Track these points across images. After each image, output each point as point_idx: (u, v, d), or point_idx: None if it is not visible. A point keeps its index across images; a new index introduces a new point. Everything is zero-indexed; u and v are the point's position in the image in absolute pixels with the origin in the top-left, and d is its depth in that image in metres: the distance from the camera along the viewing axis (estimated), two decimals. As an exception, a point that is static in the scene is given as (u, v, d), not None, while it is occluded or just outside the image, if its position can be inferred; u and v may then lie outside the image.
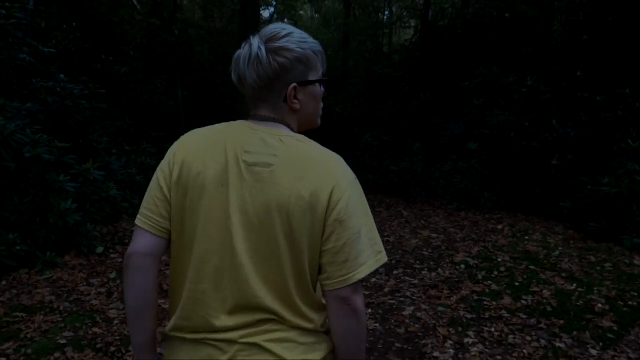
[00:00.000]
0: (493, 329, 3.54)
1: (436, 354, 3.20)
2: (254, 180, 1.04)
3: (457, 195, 7.54)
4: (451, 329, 3.54)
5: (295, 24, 23.26)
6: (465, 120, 8.14)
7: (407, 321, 3.69)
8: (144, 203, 1.12)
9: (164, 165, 1.12)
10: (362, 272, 1.05)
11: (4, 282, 4.19)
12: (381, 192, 8.90)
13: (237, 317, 1.06)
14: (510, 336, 3.43)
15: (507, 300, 4.01)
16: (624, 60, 6.90)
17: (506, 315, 3.76)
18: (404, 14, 18.74)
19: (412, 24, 18.83)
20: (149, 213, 1.11)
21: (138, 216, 1.12)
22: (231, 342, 1.06)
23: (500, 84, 7.76)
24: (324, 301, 1.14)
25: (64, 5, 9.18)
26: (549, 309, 3.83)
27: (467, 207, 7.39)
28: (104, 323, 3.55)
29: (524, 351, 3.23)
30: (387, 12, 20.23)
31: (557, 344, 3.31)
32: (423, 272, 4.74)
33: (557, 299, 4.00)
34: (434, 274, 4.69)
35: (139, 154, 7.40)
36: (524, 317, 3.72)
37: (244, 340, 1.05)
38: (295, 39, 1.09)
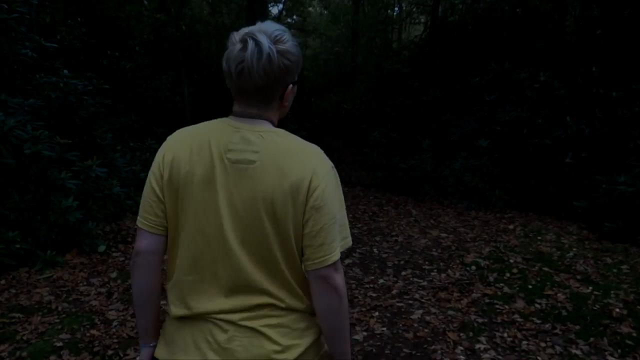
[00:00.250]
0: (505, 334, 3.39)
1: (446, 360, 3.07)
2: (239, 177, 1.12)
3: (467, 193, 7.37)
4: (462, 334, 3.40)
5: (304, 20, 23.14)
6: (475, 117, 7.95)
7: (416, 325, 3.55)
8: (141, 205, 1.22)
9: (154, 167, 1.20)
10: (337, 255, 1.16)
11: (2, 282, 4.10)
12: (389, 190, 8.74)
13: (237, 300, 1.15)
14: (524, 342, 3.28)
15: (520, 304, 3.86)
16: (640, 55, 6.70)
17: (519, 319, 3.60)
18: (414, 9, 18.53)
19: (422, 20, 18.63)
20: (146, 214, 1.20)
21: (138, 217, 1.22)
22: (231, 322, 1.15)
23: (512, 79, 7.56)
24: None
25: (69, 1, 9.12)
26: (564, 313, 3.67)
27: (477, 206, 7.21)
28: (103, 325, 3.44)
29: (538, 358, 3.08)
30: (396, 8, 20.03)
31: (573, 351, 3.16)
32: (432, 273, 4.59)
33: (573, 303, 3.83)
34: (443, 275, 4.54)
35: (144, 151, 7.30)
36: (538, 321, 3.56)
37: (242, 323, 1.15)
38: (293, 42, 1.15)
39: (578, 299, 3.91)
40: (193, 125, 1.22)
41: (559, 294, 4.00)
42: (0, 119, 4.42)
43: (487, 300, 3.94)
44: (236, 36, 1.12)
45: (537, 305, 3.82)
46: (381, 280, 4.44)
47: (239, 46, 1.10)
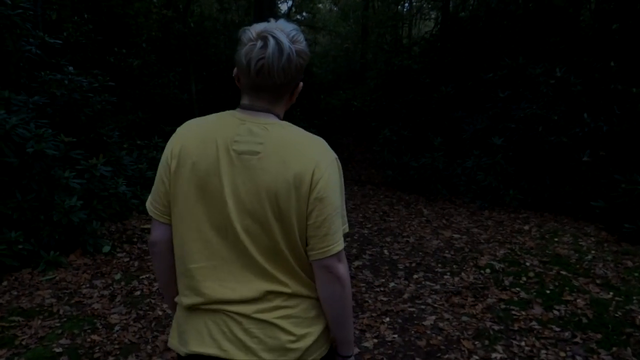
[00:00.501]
0: (523, 343, 3.23)
1: (461, 371, 2.92)
2: (244, 167, 1.15)
3: (480, 193, 7.18)
4: (477, 342, 3.24)
5: (313, 17, 22.97)
6: (489, 114, 7.74)
7: (429, 332, 3.40)
8: (152, 195, 1.27)
9: (163, 158, 1.24)
10: (340, 245, 1.19)
11: (4, 283, 4.02)
12: (400, 189, 8.57)
13: (248, 289, 1.18)
14: (543, 351, 3.12)
15: (537, 310, 3.69)
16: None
17: (537, 327, 3.44)
18: (424, 5, 18.27)
19: (432, 16, 18.37)
20: (157, 204, 1.26)
21: (149, 206, 1.28)
22: (245, 315, 1.18)
23: (527, 75, 7.34)
24: None
25: (77, -3, 9.05)
26: (584, 320, 3.50)
27: (490, 205, 7.03)
28: (104, 329, 3.33)
29: (559, 369, 2.93)
30: (406, 4, 19.77)
31: (596, 362, 3.00)
32: (445, 277, 4.44)
33: (593, 309, 3.66)
34: (456, 278, 4.39)
35: (151, 149, 7.20)
36: (557, 329, 3.40)
37: (256, 316, 1.17)
38: (305, 42, 1.18)
39: (598, 305, 3.73)
40: (201, 117, 1.26)
41: (578, 300, 3.83)
42: (2, 117, 4.32)
43: (502, 306, 3.78)
44: (253, 33, 1.13)
45: (556, 312, 3.65)
46: (392, 284, 4.30)
47: (260, 44, 1.12)
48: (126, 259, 4.72)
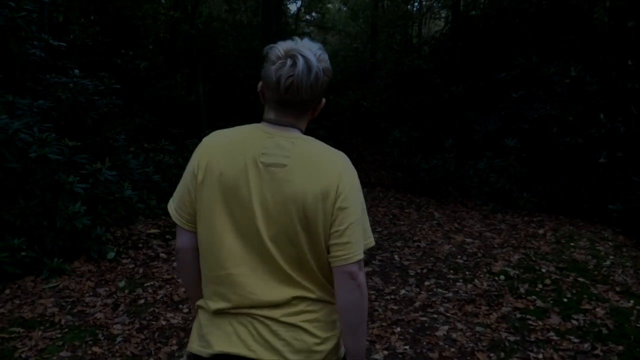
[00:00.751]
0: (541, 356, 3.09)
1: (476, 387, 2.78)
2: (271, 179, 1.20)
3: (492, 195, 7.01)
4: (492, 355, 3.11)
5: (322, 17, 22.85)
6: (501, 115, 7.56)
7: (441, 343, 3.27)
8: (178, 204, 1.31)
9: (189, 168, 1.29)
10: (361, 254, 1.23)
11: (7, 292, 3.94)
12: (410, 191, 8.43)
13: (274, 294, 1.22)
14: (562, 365, 2.98)
15: (555, 320, 3.54)
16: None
17: (555, 337, 3.30)
18: (434, 4, 18.07)
19: (442, 15, 18.16)
20: (182, 212, 1.30)
21: (174, 213, 1.32)
22: (273, 319, 1.22)
23: (541, 74, 7.16)
24: None
25: None
26: (604, 331, 3.35)
27: (504, 208, 6.86)
28: (106, 341, 3.24)
29: (580, 385, 2.78)
30: (416, 3, 19.58)
31: (618, 377, 2.85)
32: (457, 284, 4.30)
33: (613, 319, 3.51)
34: (469, 285, 4.24)
35: (158, 152, 7.12)
36: (576, 340, 3.25)
37: (283, 319, 1.22)
38: (328, 60, 1.24)
39: (619, 314, 3.58)
40: (228, 129, 1.31)
41: (597, 309, 3.67)
42: (4, 122, 4.25)
43: (518, 315, 3.64)
44: (281, 51, 1.19)
45: (574, 322, 3.50)
46: (403, 291, 4.16)
47: (289, 62, 1.16)
48: (131, 266, 4.64)
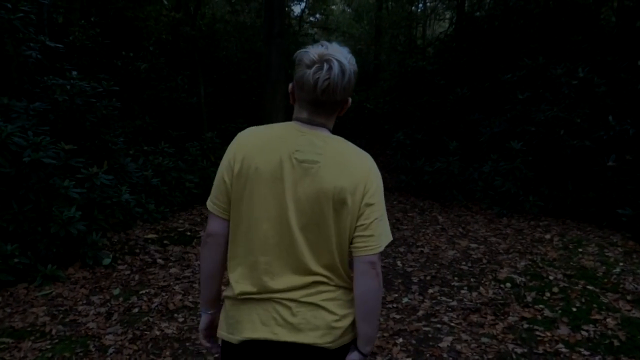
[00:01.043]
0: (549, 370, 2.95)
1: (481, 403, 2.65)
2: (304, 174, 1.29)
3: (498, 199, 6.87)
4: (498, 368, 2.97)
5: (326, 18, 22.74)
6: (507, 117, 7.41)
7: (445, 355, 3.14)
8: (213, 192, 1.40)
9: (225, 160, 1.37)
10: (383, 246, 1.34)
11: (-1, 299, 3.84)
12: (414, 195, 8.29)
13: (296, 279, 1.33)
14: (572, 380, 2.84)
15: (564, 331, 3.40)
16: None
17: (564, 350, 3.16)
18: (438, 5, 17.92)
19: (447, 16, 18.02)
20: (217, 201, 1.38)
21: (209, 203, 1.41)
22: (293, 300, 1.32)
23: (547, 76, 7.01)
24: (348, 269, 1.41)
25: (86, 0, 8.92)
26: (615, 343, 3.21)
27: (509, 212, 6.71)
28: (97, 352, 3.12)
29: (591, 402, 2.64)
30: (420, 5, 19.44)
31: (632, 393, 2.70)
32: (462, 292, 4.16)
33: (625, 330, 3.36)
34: (474, 293, 4.11)
35: (157, 155, 7.02)
36: (586, 353, 3.11)
37: (304, 299, 1.32)
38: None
39: (631, 325, 3.43)
40: (262, 126, 1.40)
41: (608, 319, 3.53)
42: (-3, 125, 4.16)
43: (525, 326, 3.50)
44: (315, 56, 1.26)
45: (584, 333, 3.36)
46: (405, 299, 4.03)
47: (326, 66, 1.25)
48: (127, 272, 4.53)
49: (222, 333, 1.42)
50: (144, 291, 4.10)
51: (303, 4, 21.05)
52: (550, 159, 6.72)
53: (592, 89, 6.47)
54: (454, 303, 3.94)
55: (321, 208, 1.30)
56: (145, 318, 3.62)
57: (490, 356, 3.11)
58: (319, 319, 1.33)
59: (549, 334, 3.37)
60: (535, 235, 5.75)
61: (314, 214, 1.30)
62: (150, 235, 5.51)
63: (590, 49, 7.24)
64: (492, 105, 8.12)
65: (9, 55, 5.33)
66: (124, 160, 6.21)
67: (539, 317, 3.62)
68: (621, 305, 3.77)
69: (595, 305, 3.75)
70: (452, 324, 3.57)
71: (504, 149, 7.07)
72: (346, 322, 1.37)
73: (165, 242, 5.38)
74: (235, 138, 1.39)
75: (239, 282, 1.36)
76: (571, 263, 4.71)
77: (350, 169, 1.32)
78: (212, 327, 1.54)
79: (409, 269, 4.74)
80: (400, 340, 3.34)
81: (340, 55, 1.27)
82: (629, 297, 3.91)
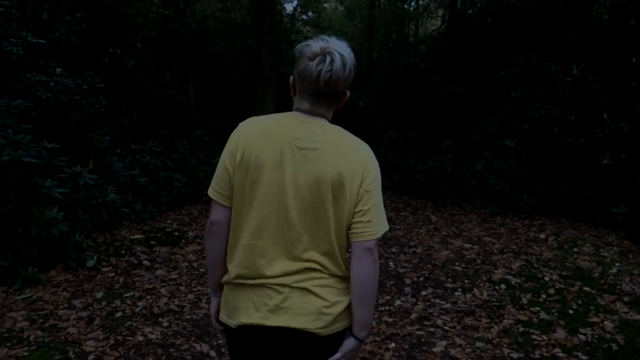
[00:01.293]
0: (546, 375, 2.86)
1: (477, 412, 2.54)
2: (304, 161, 1.34)
3: (491, 198, 6.78)
4: (494, 374, 2.87)
5: (318, 16, 22.60)
6: (500, 115, 7.32)
7: (439, 361, 3.03)
8: (215, 180, 1.42)
9: (227, 150, 1.39)
10: (380, 232, 1.37)
11: (-24, 304, 3.69)
12: (407, 194, 8.19)
13: (290, 265, 1.36)
14: (570, 386, 2.74)
15: (560, 334, 3.31)
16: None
17: (561, 355, 3.06)
18: (431, 3, 17.85)
19: (439, 14, 17.94)
20: (220, 189, 1.41)
21: (211, 190, 1.43)
22: (285, 285, 1.36)
23: (541, 73, 6.93)
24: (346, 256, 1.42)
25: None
26: (614, 347, 3.12)
27: (503, 211, 6.63)
28: (76, 359, 2.99)
29: (590, 409, 2.54)
30: (413, 3, 19.36)
31: (632, 400, 2.61)
32: (456, 293, 4.06)
33: (623, 334, 3.28)
34: (469, 295, 4.01)
35: (145, 154, 6.86)
36: (584, 358, 3.02)
37: (295, 285, 1.36)
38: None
39: (629, 328, 3.35)
40: (263, 116, 1.43)
41: (605, 322, 3.44)
42: (-26, 123, 4.00)
43: (521, 329, 3.40)
44: (317, 49, 1.31)
45: (581, 336, 3.27)
46: (398, 302, 3.93)
47: (328, 59, 1.30)
48: (111, 274, 4.39)
49: (223, 317, 1.48)
50: (128, 294, 3.96)
51: (295, 2, 20.91)
52: (544, 157, 6.65)
53: (587, 86, 6.39)
54: (448, 305, 3.84)
55: (320, 194, 1.33)
56: (129, 323, 3.48)
57: (485, 361, 3.01)
58: (310, 305, 1.35)
59: (545, 337, 3.28)
60: (529, 235, 5.66)
61: (313, 200, 1.33)
62: (136, 236, 5.36)
63: (584, 46, 7.17)
64: (486, 103, 8.03)
65: (-12, 51, 5.16)
66: (111, 159, 6.05)
67: (535, 320, 3.52)
68: (618, 307, 3.69)
69: (592, 308, 3.66)
70: (446, 328, 3.47)
71: (497, 147, 6.98)
72: (337, 309, 1.38)
73: (152, 242, 5.24)
74: (237, 127, 1.43)
75: (235, 266, 1.41)
76: (567, 263, 4.63)
77: (349, 155, 1.35)
78: None
79: (402, 270, 4.64)
80: (393, 345, 3.24)
81: (340, 48, 1.32)
82: (626, 299, 3.83)
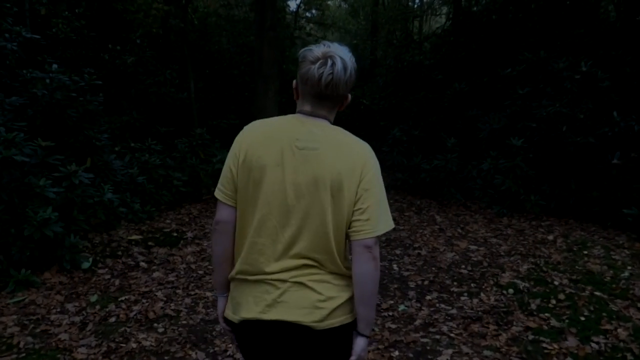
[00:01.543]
0: (558, 387, 2.72)
1: None
2: (304, 161, 1.37)
3: (498, 198, 6.63)
4: (503, 386, 2.73)
5: (322, 13, 22.44)
6: (507, 113, 7.17)
7: (445, 371, 2.89)
8: (221, 181, 1.49)
9: (232, 152, 1.46)
10: (380, 230, 1.38)
11: (-34, 307, 3.57)
12: (411, 193, 8.04)
13: (288, 262, 1.40)
14: (583, 399, 2.60)
15: (572, 342, 3.17)
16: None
17: (573, 364, 2.92)
18: (435, 0, 17.66)
19: (444, 11, 17.76)
20: (225, 189, 1.48)
21: (217, 191, 1.50)
22: (283, 280, 1.40)
23: (549, 70, 6.77)
24: (346, 255, 1.46)
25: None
26: (629, 357, 2.97)
27: (509, 212, 6.48)
28: (66, 368, 2.87)
29: None
30: (417, 0, 19.18)
31: (650, 415, 2.47)
32: (462, 298, 3.92)
33: (638, 342, 3.13)
34: (475, 300, 3.87)
35: (144, 152, 6.73)
36: (598, 368, 2.88)
37: (292, 280, 1.39)
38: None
39: (644, 336, 3.20)
40: (267, 119, 1.48)
41: (619, 329, 3.29)
42: (-35, 121, 3.88)
43: (530, 337, 3.26)
44: (319, 53, 1.36)
45: (594, 345, 3.12)
46: (402, 307, 3.79)
47: (330, 62, 1.34)
48: (107, 276, 4.27)
49: (229, 313, 1.51)
50: (123, 298, 3.84)
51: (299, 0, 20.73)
52: (552, 157, 6.49)
53: (596, 84, 6.23)
54: (454, 311, 3.70)
55: (319, 193, 1.35)
56: (122, 328, 3.36)
57: (493, 371, 2.87)
58: (304, 298, 1.38)
59: (556, 346, 3.13)
60: (537, 236, 5.51)
61: (313, 199, 1.36)
62: (134, 237, 5.24)
63: (592, 42, 7.00)
64: (491, 100, 7.88)
65: (-17, 47, 5.05)
66: (109, 158, 5.93)
67: (545, 327, 3.38)
68: (632, 313, 3.54)
69: (604, 314, 3.52)
70: (452, 335, 3.33)
71: (503, 146, 6.83)
72: (332, 304, 1.40)
73: (150, 243, 5.12)
74: (242, 130, 1.48)
75: (239, 262, 1.46)
76: (576, 267, 4.48)
77: (348, 155, 1.38)
78: None
79: (406, 273, 4.50)
80: (397, 353, 3.10)
81: (342, 53, 1.37)
82: (639, 305, 3.68)
